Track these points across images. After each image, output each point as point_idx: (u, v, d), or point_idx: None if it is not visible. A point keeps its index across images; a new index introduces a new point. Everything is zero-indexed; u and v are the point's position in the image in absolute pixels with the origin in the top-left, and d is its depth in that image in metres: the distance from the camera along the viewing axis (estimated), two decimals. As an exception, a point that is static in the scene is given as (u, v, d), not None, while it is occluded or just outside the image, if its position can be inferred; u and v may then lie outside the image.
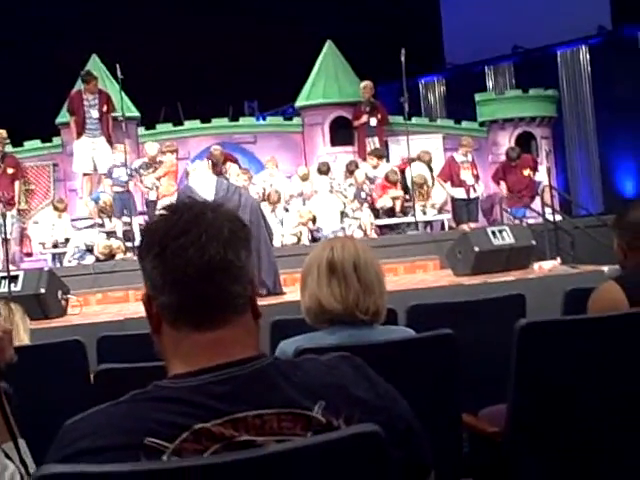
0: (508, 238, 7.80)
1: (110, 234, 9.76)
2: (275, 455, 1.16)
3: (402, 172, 10.94)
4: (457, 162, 11.18)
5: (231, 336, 1.31)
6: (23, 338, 3.43)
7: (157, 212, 1.41)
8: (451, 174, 11.11)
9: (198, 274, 1.29)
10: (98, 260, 9.29)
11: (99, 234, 9.86)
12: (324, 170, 10.80)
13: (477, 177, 11.30)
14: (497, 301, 3.56)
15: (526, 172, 11.30)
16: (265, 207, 10.40)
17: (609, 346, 2.35)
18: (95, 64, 12.22)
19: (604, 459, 2.34)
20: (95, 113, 11.01)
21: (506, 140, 12.62)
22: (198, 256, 1.29)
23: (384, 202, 10.60)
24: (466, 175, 11.10)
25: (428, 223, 10.93)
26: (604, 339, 2.35)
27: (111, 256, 9.37)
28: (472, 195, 11.19)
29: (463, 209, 11.13)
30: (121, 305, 7.68)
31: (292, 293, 6.43)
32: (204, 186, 7.23)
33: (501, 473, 2.45)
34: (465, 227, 10.04)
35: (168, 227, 1.32)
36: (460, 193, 11.13)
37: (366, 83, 12.01)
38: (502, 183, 11.28)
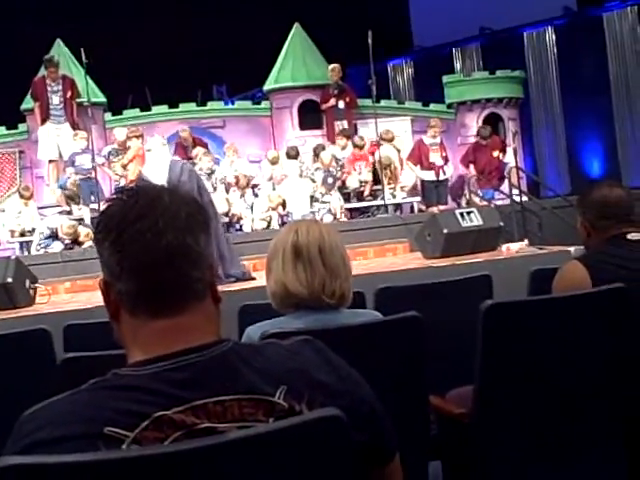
0: (476, 220, 7.84)
1: (78, 221, 9.64)
2: (237, 441, 1.16)
3: (372, 155, 10.95)
4: (426, 144, 11.21)
5: (190, 322, 1.30)
6: None
7: (112, 196, 1.38)
8: (420, 156, 11.14)
9: (156, 260, 1.27)
10: (64, 245, 9.17)
11: (62, 216, 9.75)
12: (293, 154, 10.77)
13: (446, 159, 11.35)
14: (464, 282, 3.58)
15: (495, 153, 11.37)
16: (234, 192, 10.37)
17: (572, 325, 2.38)
18: (59, 49, 12.06)
19: (571, 437, 2.37)
20: (58, 99, 10.91)
21: (474, 122, 12.69)
22: (155, 241, 1.27)
23: (353, 181, 10.62)
24: (435, 157, 11.13)
25: (398, 206, 10.95)
26: (567, 318, 2.38)
27: (76, 237, 9.24)
28: (441, 177, 11.24)
29: (432, 191, 11.19)
30: (90, 293, 7.58)
31: (262, 278, 6.42)
32: (158, 169, 7.18)
33: (469, 454, 2.46)
34: (434, 209, 10.09)
35: (124, 212, 1.29)
36: (429, 175, 11.17)
37: (334, 66, 11.99)
38: (471, 166, 11.34)
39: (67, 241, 9.22)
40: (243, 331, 2.58)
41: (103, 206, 1.37)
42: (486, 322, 2.31)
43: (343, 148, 11.10)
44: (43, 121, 10.92)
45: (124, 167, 10.41)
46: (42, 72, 11.27)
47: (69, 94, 10.86)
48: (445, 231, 7.49)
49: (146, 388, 1.23)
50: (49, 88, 10.91)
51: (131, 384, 1.24)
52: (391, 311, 2.59)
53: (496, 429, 2.37)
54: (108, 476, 1.11)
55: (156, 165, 7.34)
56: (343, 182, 10.69)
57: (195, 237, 1.31)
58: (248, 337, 2.42)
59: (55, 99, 10.91)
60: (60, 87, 10.92)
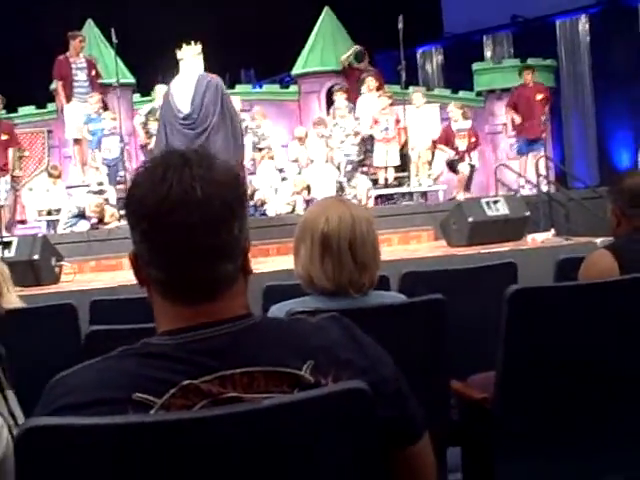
0: (502, 209, 7.80)
1: (105, 200, 9.70)
2: (263, 410, 1.17)
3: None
4: (452, 130, 11.10)
5: (220, 306, 1.30)
6: (10, 299, 3.43)
7: (140, 173, 1.32)
8: (447, 142, 11.05)
9: (187, 257, 1.25)
10: (91, 224, 9.24)
11: (90, 195, 9.81)
12: (317, 122, 10.78)
13: (475, 145, 11.10)
14: (489, 269, 3.57)
15: (539, 96, 11.22)
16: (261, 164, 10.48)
17: (598, 313, 2.36)
18: (90, 29, 12.11)
19: (592, 424, 2.36)
20: (84, 76, 10.86)
21: (503, 110, 12.56)
22: (187, 237, 1.24)
23: (375, 132, 10.58)
24: (460, 143, 10.92)
25: (423, 194, 10.90)
26: (594, 305, 2.36)
27: (102, 217, 9.30)
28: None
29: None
30: (115, 273, 7.67)
31: (285, 263, 6.42)
32: (186, 81, 7.07)
33: (490, 441, 2.46)
34: (460, 197, 10.02)
35: (156, 202, 1.25)
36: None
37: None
38: (513, 115, 11.23)
39: (94, 220, 9.29)
40: (267, 312, 2.59)
41: (131, 183, 1.32)
42: (510, 307, 2.30)
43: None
44: (68, 99, 10.91)
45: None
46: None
47: (93, 73, 10.82)
48: (470, 220, 7.45)
49: (175, 357, 1.24)
50: (74, 66, 10.87)
51: (160, 352, 1.25)
52: (415, 295, 2.59)
53: (517, 414, 2.36)
54: (136, 439, 1.12)
55: (185, 77, 7.25)
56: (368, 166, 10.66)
57: (229, 227, 1.27)
58: (273, 315, 2.42)
59: (81, 75, 10.85)
60: (85, 65, 10.90)
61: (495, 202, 7.89)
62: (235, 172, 1.32)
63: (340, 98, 11.01)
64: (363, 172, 10.74)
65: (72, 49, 10.87)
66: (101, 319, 3.09)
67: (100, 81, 11.10)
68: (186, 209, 1.23)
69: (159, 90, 10.54)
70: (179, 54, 7.93)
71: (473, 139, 11.03)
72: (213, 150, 6.54)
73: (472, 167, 11.00)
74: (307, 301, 2.43)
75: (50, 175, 10.41)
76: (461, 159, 10.83)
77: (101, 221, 9.32)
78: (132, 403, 1.19)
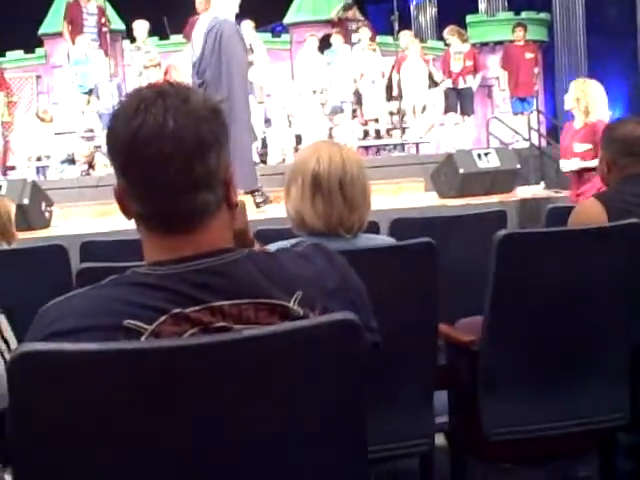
0: (493, 161, 7.79)
1: (96, 147, 9.63)
2: (252, 338, 1.19)
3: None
4: (449, 52, 10.89)
5: (204, 236, 1.30)
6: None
7: (119, 104, 1.32)
8: (446, 66, 10.86)
9: (162, 189, 1.26)
10: (81, 171, 9.18)
11: (80, 140, 9.71)
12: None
13: (473, 68, 10.84)
14: (479, 216, 3.58)
15: (529, 55, 11.18)
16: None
17: (587, 259, 2.38)
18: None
19: (577, 366, 2.40)
20: (93, 22, 10.73)
21: (496, 63, 12.48)
22: (161, 172, 1.24)
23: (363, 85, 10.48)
24: (455, 65, 10.74)
25: (415, 145, 10.87)
26: (582, 252, 2.38)
27: (91, 162, 9.24)
28: (460, 85, 10.78)
29: (454, 100, 10.80)
30: (105, 218, 7.64)
31: (277, 211, 6.41)
32: (198, 30, 6.71)
33: (476, 383, 2.49)
34: (452, 150, 9.99)
35: (130, 136, 1.24)
36: (448, 83, 10.82)
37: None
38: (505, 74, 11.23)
39: (84, 166, 9.24)
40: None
41: (111, 116, 1.32)
42: (499, 252, 2.31)
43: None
44: (74, 43, 10.76)
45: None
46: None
47: (103, 20, 10.65)
48: (461, 171, 7.44)
49: (165, 287, 1.25)
50: (84, 10, 10.72)
51: (150, 282, 1.26)
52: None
53: (505, 357, 2.39)
54: (127, 365, 1.14)
55: (203, 17, 6.87)
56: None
57: (205, 159, 1.26)
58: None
59: (91, 21, 10.73)
60: (95, 11, 10.75)
61: (486, 154, 7.87)
62: (213, 104, 1.31)
63: (338, 41, 10.89)
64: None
65: None
66: (92, 259, 3.09)
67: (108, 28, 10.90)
68: (158, 141, 1.23)
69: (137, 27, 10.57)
70: None
71: (469, 62, 10.77)
72: None
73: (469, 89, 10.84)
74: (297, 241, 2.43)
75: (42, 120, 10.29)
76: (454, 82, 10.69)
77: (91, 167, 9.27)
78: (123, 329, 1.20)
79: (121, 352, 1.14)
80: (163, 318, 1.21)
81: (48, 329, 1.23)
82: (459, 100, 10.80)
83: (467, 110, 10.87)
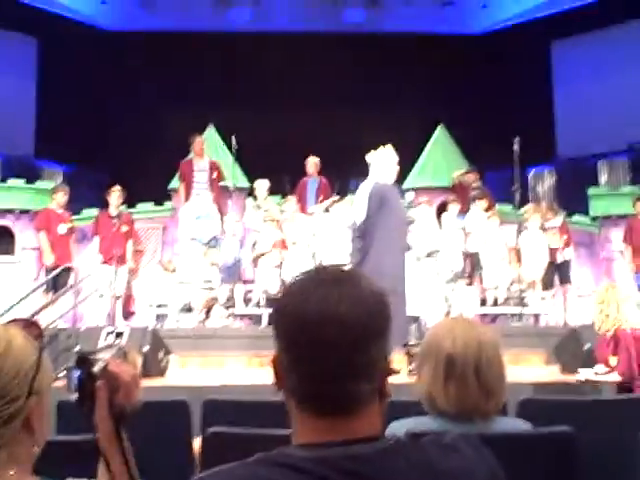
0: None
1: (213, 299, 9.88)
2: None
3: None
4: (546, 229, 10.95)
5: (357, 422, 1.30)
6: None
7: (296, 281, 1.37)
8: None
9: (323, 374, 1.28)
10: (198, 320, 9.39)
11: (199, 290, 9.98)
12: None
13: (567, 242, 10.97)
14: (614, 404, 3.38)
15: None
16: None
17: None
18: (211, 134, 12.65)
19: None
20: (204, 177, 11.23)
21: (619, 237, 12.26)
22: (325, 357, 1.27)
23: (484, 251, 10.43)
24: (552, 240, 10.85)
25: (535, 315, 10.64)
26: None
27: (209, 311, 9.44)
28: (559, 260, 10.88)
29: (553, 273, 10.86)
30: (218, 370, 7.74)
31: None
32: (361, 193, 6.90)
33: None
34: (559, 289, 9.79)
35: (303, 315, 1.29)
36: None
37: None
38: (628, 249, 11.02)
39: (200, 316, 9.47)
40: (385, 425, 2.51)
41: (283, 292, 1.37)
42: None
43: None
44: (187, 199, 11.31)
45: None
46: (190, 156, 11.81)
47: (215, 174, 11.13)
48: (587, 347, 7.11)
49: (312, 471, 1.23)
50: (196, 167, 11.27)
51: (299, 465, 1.24)
52: (535, 424, 2.47)
53: None
54: None
55: (366, 182, 7.02)
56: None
57: (367, 349, 1.29)
58: (392, 431, 2.35)
59: (201, 177, 11.14)
60: (207, 167, 11.30)
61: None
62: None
63: (453, 210, 11.10)
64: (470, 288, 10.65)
65: (195, 152, 11.25)
66: (214, 419, 3.08)
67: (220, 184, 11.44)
68: (331, 326, 1.26)
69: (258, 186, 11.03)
70: (370, 157, 7.47)
71: (565, 236, 10.92)
72: (376, 261, 6.44)
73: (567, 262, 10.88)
74: (426, 421, 2.35)
75: (165, 269, 10.69)
76: (552, 257, 10.77)
77: (207, 317, 9.49)
78: None
79: None
80: None
81: None
82: (559, 273, 10.90)
83: (567, 279, 10.95)
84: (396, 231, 6.99)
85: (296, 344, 1.29)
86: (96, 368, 1.51)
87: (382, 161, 7.20)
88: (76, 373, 1.50)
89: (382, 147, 7.37)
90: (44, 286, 9.84)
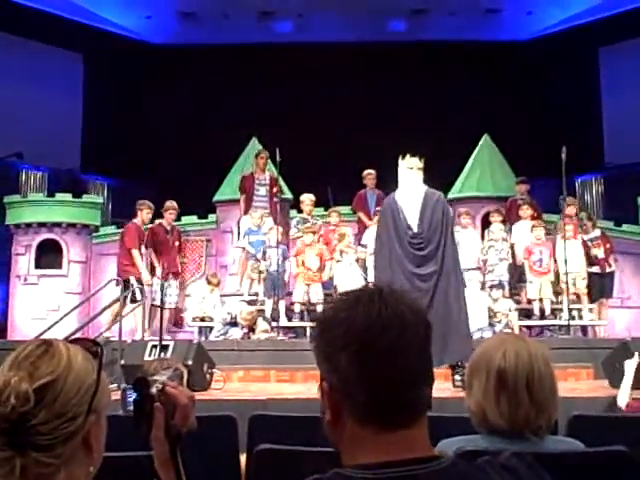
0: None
1: (259, 312, 9.87)
2: None
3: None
4: (587, 244, 10.83)
5: (417, 435, 1.30)
6: None
7: (341, 297, 1.37)
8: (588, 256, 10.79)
9: (398, 379, 1.28)
10: (242, 332, 9.39)
11: (243, 304, 10.00)
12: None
13: (610, 250, 10.92)
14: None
15: None
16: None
17: None
18: (253, 147, 12.70)
19: None
20: (264, 191, 11.40)
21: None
22: (400, 361, 1.28)
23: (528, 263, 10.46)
24: (596, 251, 10.81)
25: (582, 328, 10.45)
26: None
27: (253, 324, 9.44)
28: (607, 270, 10.83)
29: (597, 283, 10.75)
30: (262, 384, 7.73)
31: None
32: (411, 196, 6.91)
33: None
34: (626, 337, 9.50)
35: (369, 323, 1.28)
36: (594, 269, 10.77)
37: (521, 179, 11.92)
38: None
39: (244, 329, 9.46)
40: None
41: (330, 309, 1.36)
42: None
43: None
44: (246, 212, 11.42)
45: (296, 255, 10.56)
46: (247, 169, 11.91)
47: (275, 189, 11.23)
48: (639, 361, 6.93)
49: None
50: (257, 182, 11.47)
51: None
52: (586, 441, 2.41)
53: None
54: None
55: (409, 190, 7.02)
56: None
57: (429, 355, 1.33)
58: (441, 449, 2.30)
59: (262, 190, 11.43)
60: (268, 181, 11.43)
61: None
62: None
63: (496, 221, 10.95)
64: (515, 299, 10.51)
65: (258, 166, 11.55)
66: (261, 434, 3.06)
67: (280, 197, 11.46)
68: (398, 331, 1.28)
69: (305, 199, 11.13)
70: (404, 164, 7.33)
71: (608, 245, 10.93)
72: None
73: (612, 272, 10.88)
74: (477, 440, 2.31)
75: (209, 282, 10.74)
76: (602, 267, 10.74)
77: (252, 330, 9.48)
78: None
79: None
80: None
81: None
82: (601, 283, 10.81)
83: (609, 292, 10.92)
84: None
85: (362, 353, 1.27)
86: (154, 389, 1.50)
87: (420, 168, 7.21)
88: (133, 394, 1.51)
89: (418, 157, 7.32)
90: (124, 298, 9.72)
